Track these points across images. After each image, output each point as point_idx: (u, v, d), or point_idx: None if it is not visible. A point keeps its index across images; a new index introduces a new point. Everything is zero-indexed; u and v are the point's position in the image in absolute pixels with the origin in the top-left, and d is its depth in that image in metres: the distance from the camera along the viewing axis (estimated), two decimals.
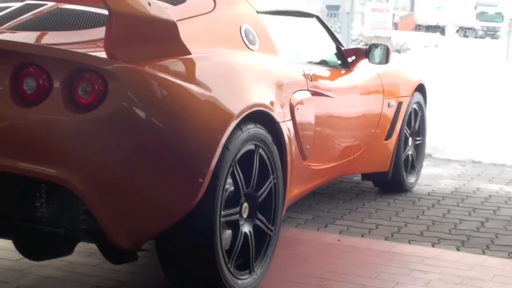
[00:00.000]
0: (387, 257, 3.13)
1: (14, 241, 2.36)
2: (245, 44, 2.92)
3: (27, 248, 2.37)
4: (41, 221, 2.18)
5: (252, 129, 2.54)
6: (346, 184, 4.58)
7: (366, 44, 11.01)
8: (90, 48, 2.30)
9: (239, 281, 2.54)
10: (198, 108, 2.32)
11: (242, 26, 2.96)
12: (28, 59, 2.11)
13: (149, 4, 2.20)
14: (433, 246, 3.36)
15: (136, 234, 2.25)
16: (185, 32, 2.46)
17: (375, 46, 3.82)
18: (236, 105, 2.46)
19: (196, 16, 2.78)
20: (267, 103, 2.70)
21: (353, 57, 3.86)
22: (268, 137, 2.66)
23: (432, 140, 5.49)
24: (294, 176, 2.98)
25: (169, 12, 2.32)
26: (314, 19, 3.82)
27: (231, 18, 2.99)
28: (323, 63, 3.78)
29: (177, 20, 2.53)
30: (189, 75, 2.39)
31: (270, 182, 2.71)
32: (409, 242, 3.41)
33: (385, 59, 3.80)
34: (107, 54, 2.10)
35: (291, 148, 2.91)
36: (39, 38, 2.42)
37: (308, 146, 3.14)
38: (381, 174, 4.21)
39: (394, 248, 3.27)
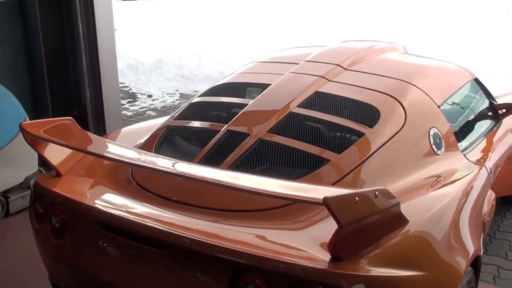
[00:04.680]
0: None
1: None
2: (433, 150, 2.84)
3: None
4: None
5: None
6: None
7: None
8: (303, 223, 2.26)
9: None
10: None
11: (430, 131, 2.87)
12: (246, 267, 2.02)
13: (376, 195, 1.97)
14: None
15: None
16: (383, 167, 2.50)
17: None
18: (454, 276, 2.35)
19: (392, 137, 2.67)
20: (477, 244, 2.59)
21: (504, 110, 3.86)
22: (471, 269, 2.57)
23: None
24: None
25: (391, 191, 2.07)
26: (473, 81, 3.74)
27: (421, 126, 2.86)
28: (483, 130, 3.68)
29: (375, 150, 2.56)
30: (409, 256, 2.18)
31: None
32: None
33: None
34: (331, 254, 1.96)
35: None
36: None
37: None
38: None
39: None
